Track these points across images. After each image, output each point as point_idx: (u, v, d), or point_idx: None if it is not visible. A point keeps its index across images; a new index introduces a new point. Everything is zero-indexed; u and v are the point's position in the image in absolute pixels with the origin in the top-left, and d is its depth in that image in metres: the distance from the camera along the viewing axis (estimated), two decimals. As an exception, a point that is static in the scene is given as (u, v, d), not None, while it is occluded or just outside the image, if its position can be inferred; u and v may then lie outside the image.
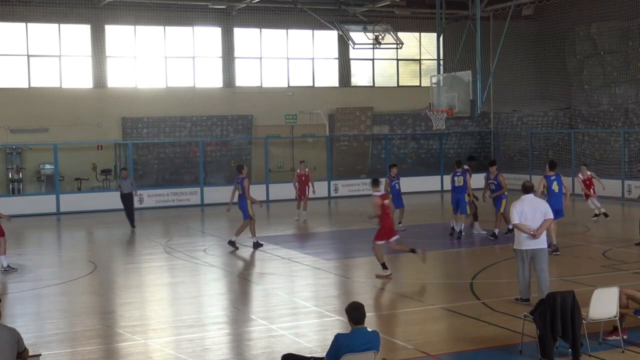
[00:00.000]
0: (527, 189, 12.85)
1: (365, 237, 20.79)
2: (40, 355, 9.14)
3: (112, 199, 26.96)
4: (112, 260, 19.43)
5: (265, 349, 11.00)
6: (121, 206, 24.77)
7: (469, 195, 20.54)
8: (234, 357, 10.78)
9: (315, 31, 34.83)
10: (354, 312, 7.97)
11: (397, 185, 22.31)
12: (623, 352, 10.29)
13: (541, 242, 12.60)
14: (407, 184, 32.64)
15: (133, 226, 24.41)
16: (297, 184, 26.05)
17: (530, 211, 12.54)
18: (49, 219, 27.84)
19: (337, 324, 11.97)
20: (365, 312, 8.04)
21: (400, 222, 22.02)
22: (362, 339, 7.92)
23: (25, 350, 7.98)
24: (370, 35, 29.58)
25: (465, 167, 21.65)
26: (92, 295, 15.17)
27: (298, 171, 26.56)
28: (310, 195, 26.13)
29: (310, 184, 26.11)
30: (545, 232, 12.64)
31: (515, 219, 12.55)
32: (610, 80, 33.92)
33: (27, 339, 10.66)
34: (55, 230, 26.14)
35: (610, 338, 10.57)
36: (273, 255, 18.89)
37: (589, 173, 23.80)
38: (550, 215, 12.64)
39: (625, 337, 10.53)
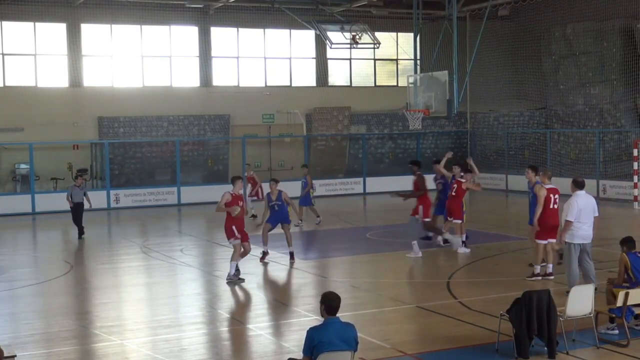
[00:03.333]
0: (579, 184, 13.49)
1: (343, 237, 20.84)
2: (15, 356, 9.09)
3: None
4: (88, 260, 19.32)
5: (242, 348, 10.99)
6: (97, 205, 24.15)
7: None
8: (211, 357, 10.76)
9: (292, 31, 34.82)
10: (326, 302, 8.04)
11: (303, 183, 24.45)
12: (598, 348, 10.41)
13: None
14: (384, 183, 32.70)
15: (82, 234, 22.46)
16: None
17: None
18: (24, 219, 27.61)
19: (314, 323, 11.92)
20: (338, 303, 8.04)
21: (319, 216, 24.29)
22: (335, 330, 7.95)
23: (0, 351, 7.92)
24: (348, 35, 29.51)
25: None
26: (68, 296, 15.09)
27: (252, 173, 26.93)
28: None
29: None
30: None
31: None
32: (585, 80, 34.15)
33: (2, 340, 10.62)
34: (31, 230, 25.94)
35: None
36: (250, 254, 18.82)
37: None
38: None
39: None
